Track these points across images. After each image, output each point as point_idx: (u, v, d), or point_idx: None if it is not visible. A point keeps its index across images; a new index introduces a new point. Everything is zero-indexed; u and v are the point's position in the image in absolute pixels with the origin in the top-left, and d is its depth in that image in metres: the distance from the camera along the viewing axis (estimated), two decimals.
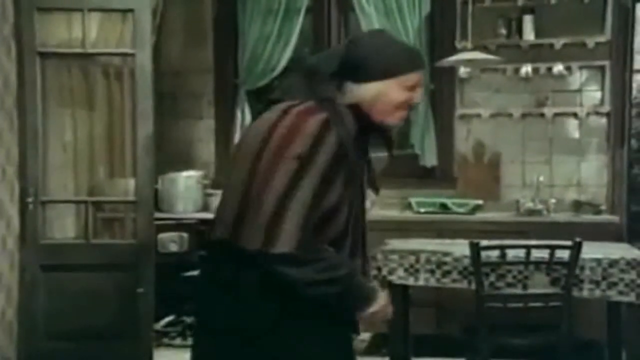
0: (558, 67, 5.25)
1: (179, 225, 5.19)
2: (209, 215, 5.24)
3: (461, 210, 5.19)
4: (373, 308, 2.11)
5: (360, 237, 2.17)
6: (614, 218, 5.06)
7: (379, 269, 3.91)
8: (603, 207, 5.16)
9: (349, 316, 2.13)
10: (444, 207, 5.22)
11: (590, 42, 5.23)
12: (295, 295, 2.00)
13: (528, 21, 5.27)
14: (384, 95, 2.10)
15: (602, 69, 5.28)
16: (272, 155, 1.98)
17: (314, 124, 1.99)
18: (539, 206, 5.12)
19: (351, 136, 2.04)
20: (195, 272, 5.03)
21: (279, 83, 2.19)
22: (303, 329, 2.06)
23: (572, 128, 5.39)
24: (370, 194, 2.23)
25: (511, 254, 3.68)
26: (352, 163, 2.04)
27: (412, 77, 2.13)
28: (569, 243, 3.58)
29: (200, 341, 2.19)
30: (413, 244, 4.05)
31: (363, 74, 2.09)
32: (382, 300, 2.13)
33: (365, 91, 2.09)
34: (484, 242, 3.69)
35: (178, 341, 5.21)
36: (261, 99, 5.81)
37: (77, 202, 4.73)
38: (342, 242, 2.07)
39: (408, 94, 2.14)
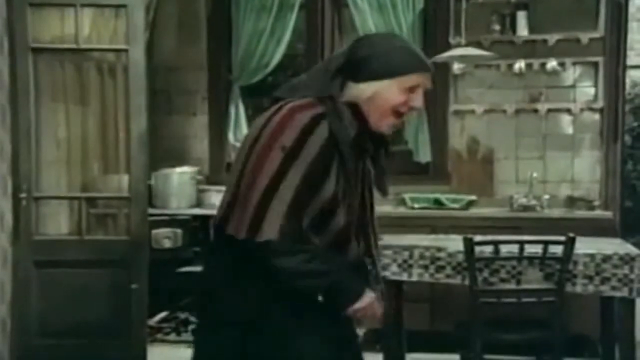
0: (552, 63, 5.25)
1: (172, 221, 5.19)
2: (203, 211, 5.24)
3: (455, 205, 5.20)
4: (357, 305, 2.10)
5: (363, 236, 2.18)
6: (608, 214, 5.07)
7: None
8: (596, 203, 5.17)
9: (337, 310, 2.13)
10: (438, 203, 5.23)
11: (584, 38, 5.23)
12: (283, 284, 2.02)
13: (521, 17, 5.28)
14: (380, 95, 2.08)
15: (595, 65, 5.29)
16: (261, 148, 2.01)
17: (305, 117, 2.01)
18: (533, 202, 5.13)
19: (349, 134, 2.05)
20: (189, 268, 5.05)
21: (289, 80, 2.19)
22: (293, 319, 2.08)
23: (566, 124, 5.40)
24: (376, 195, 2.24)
25: (505, 249, 3.68)
26: (348, 160, 2.04)
27: (412, 79, 2.10)
28: (562, 238, 3.59)
29: (201, 329, 2.23)
30: (407, 240, 4.05)
31: (362, 73, 2.08)
32: (368, 299, 2.13)
33: (363, 91, 2.08)
34: (478, 238, 3.69)
35: (172, 337, 5.21)
36: (254, 95, 5.81)
37: (71, 198, 4.72)
38: (345, 239, 2.09)
39: (407, 95, 2.10)
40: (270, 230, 1.96)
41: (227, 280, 2.09)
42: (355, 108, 2.08)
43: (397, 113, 2.11)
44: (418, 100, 2.12)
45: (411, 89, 2.10)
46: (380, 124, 2.11)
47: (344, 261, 2.11)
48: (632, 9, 5.10)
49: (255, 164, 2.00)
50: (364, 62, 2.08)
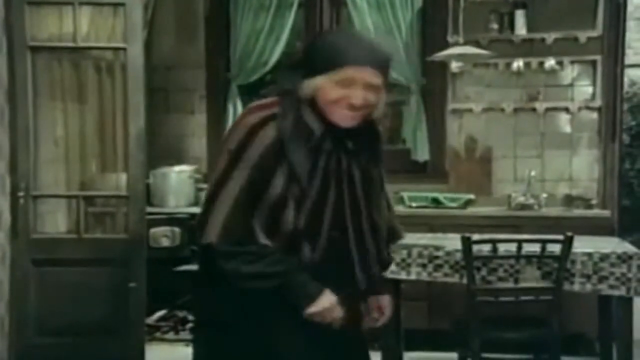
0: (550, 62, 5.26)
1: (170, 220, 5.19)
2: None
3: (453, 204, 5.21)
4: (312, 308, 2.05)
5: (357, 245, 2.11)
6: (605, 212, 5.08)
7: None
8: (594, 202, 5.18)
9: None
10: (436, 202, 5.23)
11: (582, 36, 5.24)
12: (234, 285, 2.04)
13: (520, 16, 5.28)
14: (319, 91, 2.02)
15: (593, 63, 5.30)
16: (220, 151, 2.06)
17: (254, 119, 2.01)
18: (531, 201, 5.14)
19: (309, 132, 2.01)
20: (187, 267, 5.05)
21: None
22: (265, 318, 2.07)
23: (564, 123, 5.40)
24: None
25: (503, 248, 3.69)
26: (299, 161, 1.99)
27: (343, 73, 2.00)
28: (560, 237, 3.59)
29: (192, 328, 2.29)
30: (405, 238, 4.04)
31: (307, 69, 2.04)
32: (324, 302, 2.06)
33: (308, 86, 2.03)
34: (476, 237, 3.69)
35: (170, 335, 5.21)
36: (253, 94, 5.81)
37: (69, 197, 4.72)
38: (296, 241, 2.03)
39: (342, 91, 2.01)
40: (212, 232, 1.98)
41: (202, 280, 2.13)
42: (314, 104, 2.04)
43: (351, 106, 2.03)
44: (356, 96, 2.01)
45: (346, 84, 2.01)
46: (336, 118, 2.04)
47: (296, 261, 2.04)
48: (630, 8, 5.10)
49: (214, 168, 2.07)
50: (309, 56, 2.06)
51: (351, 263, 2.12)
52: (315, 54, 2.05)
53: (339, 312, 2.10)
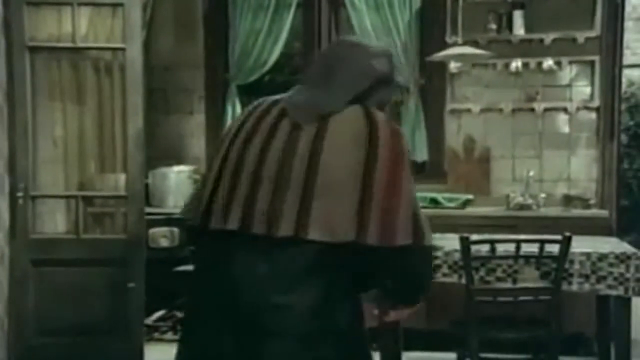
0: (548, 62, 5.27)
1: (169, 220, 5.19)
2: None
3: (451, 204, 5.21)
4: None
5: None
6: (604, 212, 5.09)
7: None
8: (592, 202, 5.18)
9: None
10: (434, 202, 5.23)
11: (580, 37, 5.24)
12: None
13: (518, 16, 5.29)
14: None
15: (591, 64, 5.31)
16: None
17: (396, 126, 2.08)
18: (529, 201, 5.14)
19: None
20: (186, 267, 5.06)
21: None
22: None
23: (562, 123, 5.41)
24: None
25: (501, 248, 3.70)
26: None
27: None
28: (558, 237, 3.60)
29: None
30: None
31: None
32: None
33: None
34: (474, 237, 3.70)
35: (169, 335, 5.22)
36: (251, 94, 5.82)
37: (68, 197, 4.72)
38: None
39: None
40: (429, 235, 2.08)
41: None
42: None
43: None
44: None
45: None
46: None
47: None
48: (628, 9, 5.14)
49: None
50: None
51: None
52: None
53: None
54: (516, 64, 5.29)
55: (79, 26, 4.51)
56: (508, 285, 3.71)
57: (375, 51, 2.08)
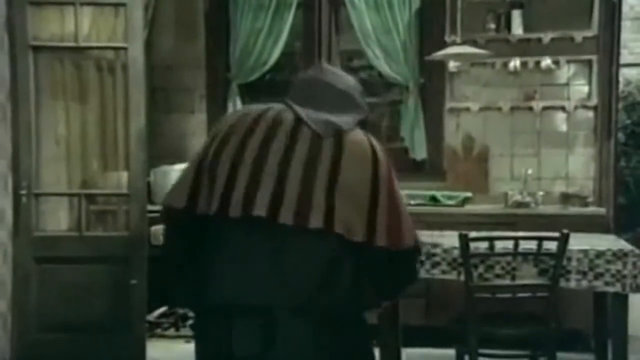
0: (546, 61, 5.30)
1: None
2: None
3: (450, 202, 5.24)
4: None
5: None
6: (601, 210, 5.12)
7: None
8: (590, 200, 5.21)
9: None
10: (434, 200, 5.26)
11: (578, 36, 5.28)
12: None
13: (517, 16, 5.32)
14: None
15: (589, 63, 5.34)
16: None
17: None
18: (527, 198, 5.17)
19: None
20: None
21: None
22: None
23: (560, 121, 5.44)
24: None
25: (500, 245, 3.71)
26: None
27: None
28: (556, 235, 3.62)
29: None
30: None
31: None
32: None
33: None
34: (473, 234, 3.72)
35: (171, 332, 5.25)
36: (252, 93, 5.85)
37: (70, 195, 4.76)
38: None
39: None
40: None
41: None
42: None
43: None
44: None
45: None
46: None
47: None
48: (625, 8, 5.16)
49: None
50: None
51: None
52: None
53: None
54: (514, 63, 5.32)
55: (82, 26, 4.54)
56: (507, 282, 3.73)
57: (359, 88, 2.32)
